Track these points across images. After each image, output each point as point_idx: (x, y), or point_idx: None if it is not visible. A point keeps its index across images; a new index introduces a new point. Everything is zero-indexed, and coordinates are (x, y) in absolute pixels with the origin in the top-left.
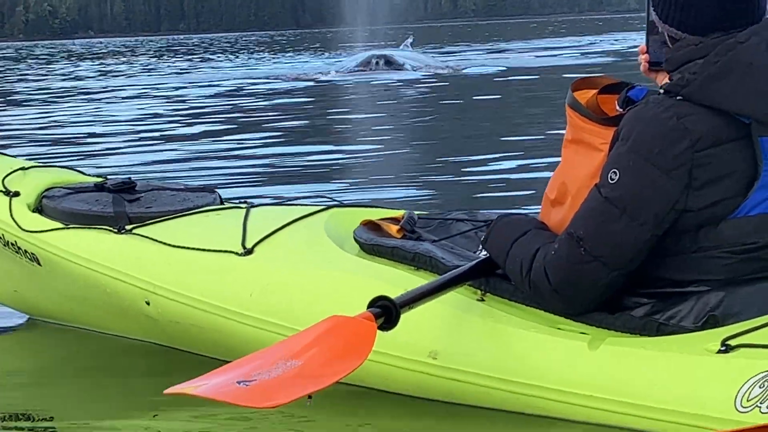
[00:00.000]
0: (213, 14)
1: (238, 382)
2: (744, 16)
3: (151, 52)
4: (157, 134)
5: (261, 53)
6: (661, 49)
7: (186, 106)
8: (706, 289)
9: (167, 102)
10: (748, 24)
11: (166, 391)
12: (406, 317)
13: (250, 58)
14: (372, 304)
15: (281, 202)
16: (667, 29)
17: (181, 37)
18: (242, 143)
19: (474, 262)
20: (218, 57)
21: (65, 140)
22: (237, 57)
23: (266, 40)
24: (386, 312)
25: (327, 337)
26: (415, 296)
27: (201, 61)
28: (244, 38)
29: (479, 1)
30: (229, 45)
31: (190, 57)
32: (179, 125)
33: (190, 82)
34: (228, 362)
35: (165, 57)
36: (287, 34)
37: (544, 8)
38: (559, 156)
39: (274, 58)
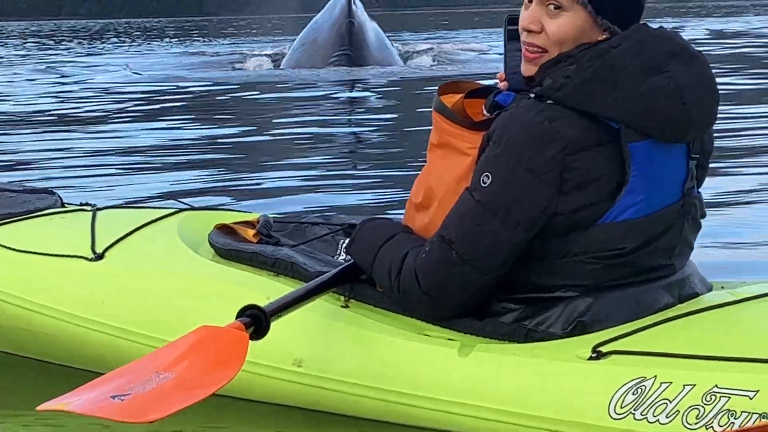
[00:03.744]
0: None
1: (113, 397)
2: (614, 22)
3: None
4: None
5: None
6: (519, 75)
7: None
8: (574, 295)
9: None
10: (619, 29)
11: (39, 408)
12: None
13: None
14: (241, 313)
15: (129, 205)
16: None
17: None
18: (79, 142)
19: (338, 268)
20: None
21: None
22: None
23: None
24: (256, 321)
25: (199, 348)
26: (283, 304)
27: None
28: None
29: None
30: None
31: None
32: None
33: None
34: (84, 371)
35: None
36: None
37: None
38: (422, 161)
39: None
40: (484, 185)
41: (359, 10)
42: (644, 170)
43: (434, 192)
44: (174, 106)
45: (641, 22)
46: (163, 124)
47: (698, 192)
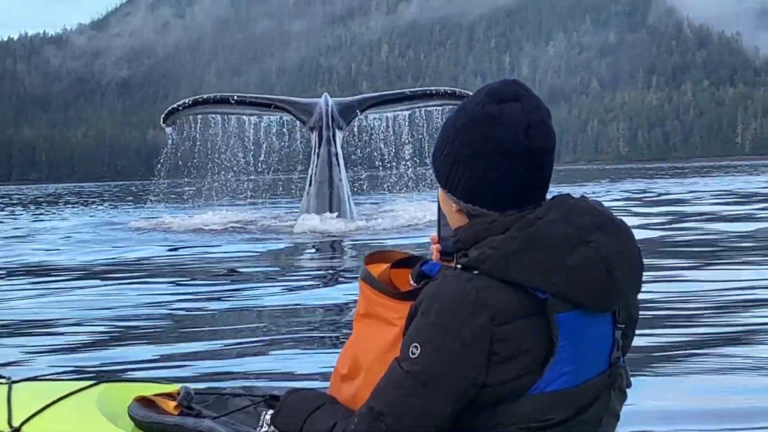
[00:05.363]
0: (66, 164)
1: None
2: (537, 192)
3: None
4: None
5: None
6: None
7: None
8: None
9: None
10: (539, 200)
11: None
12: None
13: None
14: None
15: (47, 377)
16: (463, 206)
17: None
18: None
19: None
20: None
21: None
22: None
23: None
24: None
25: None
26: None
27: None
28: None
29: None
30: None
31: None
32: None
33: None
34: None
35: None
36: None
37: None
38: (342, 332)
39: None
40: (413, 356)
41: (340, 177)
42: (573, 340)
43: (360, 363)
44: (88, 276)
45: (565, 193)
46: (77, 295)
47: (624, 361)
